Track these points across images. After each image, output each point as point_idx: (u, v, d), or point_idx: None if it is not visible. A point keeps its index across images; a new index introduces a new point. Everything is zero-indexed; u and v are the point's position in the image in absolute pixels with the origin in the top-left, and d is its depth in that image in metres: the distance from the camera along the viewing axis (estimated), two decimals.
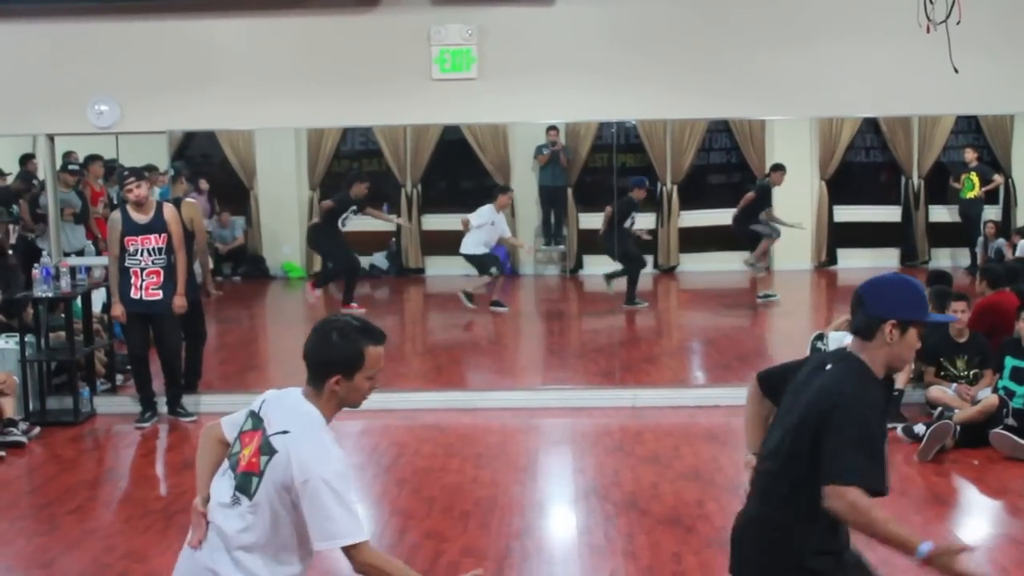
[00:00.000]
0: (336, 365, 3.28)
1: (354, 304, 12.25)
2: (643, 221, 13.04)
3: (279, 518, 3.26)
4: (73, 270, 8.93)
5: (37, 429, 8.17)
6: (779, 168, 13.24)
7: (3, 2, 8.51)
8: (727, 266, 13.50)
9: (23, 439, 7.90)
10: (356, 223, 14.69)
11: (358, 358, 3.28)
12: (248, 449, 3.30)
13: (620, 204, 12.55)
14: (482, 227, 12.51)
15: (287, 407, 3.33)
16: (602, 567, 5.54)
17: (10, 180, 11.71)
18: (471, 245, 12.51)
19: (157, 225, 8.24)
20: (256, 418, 3.36)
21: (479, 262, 12.49)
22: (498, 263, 12.56)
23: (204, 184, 14.01)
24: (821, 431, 3.21)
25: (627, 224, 12.46)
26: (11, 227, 11.13)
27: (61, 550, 5.79)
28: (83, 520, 6.29)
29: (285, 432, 3.25)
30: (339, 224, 12.56)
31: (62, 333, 8.87)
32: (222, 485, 3.35)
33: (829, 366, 3.39)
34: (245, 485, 3.28)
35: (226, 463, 3.39)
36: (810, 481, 3.23)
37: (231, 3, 8.53)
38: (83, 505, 6.52)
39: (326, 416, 3.33)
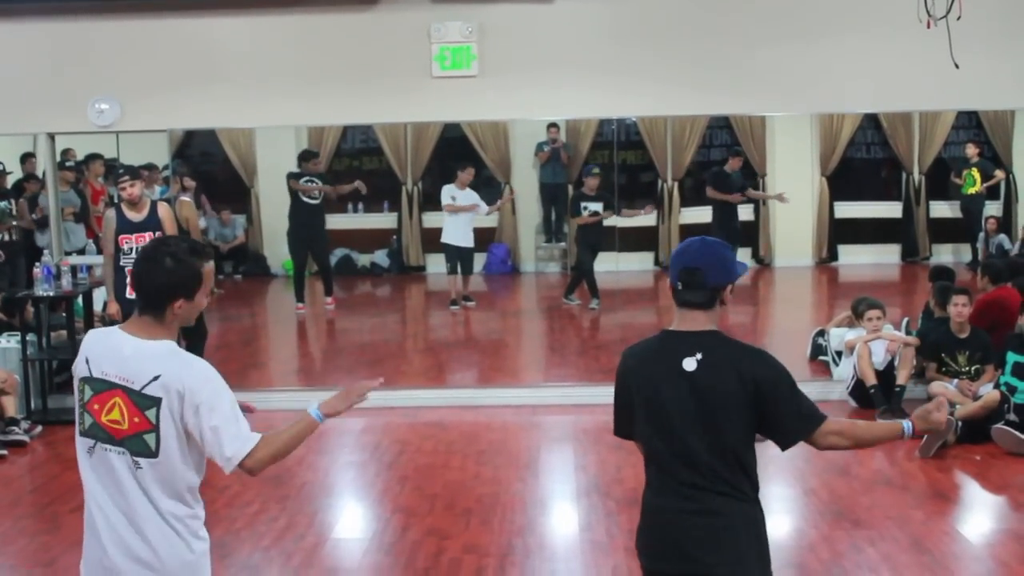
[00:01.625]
0: (179, 288, 3.31)
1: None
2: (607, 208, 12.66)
3: (185, 455, 3.31)
4: (74, 269, 8.94)
5: (39, 428, 8.18)
6: (737, 154, 13.33)
7: (4, 1, 8.51)
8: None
9: (25, 438, 7.91)
10: (357, 221, 14.73)
11: (197, 277, 3.34)
12: (114, 413, 3.27)
13: (572, 197, 12.51)
14: (452, 210, 12.49)
15: (132, 356, 3.29)
16: (604, 563, 5.54)
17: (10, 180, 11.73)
18: (450, 234, 12.53)
19: (151, 223, 8.23)
20: (96, 382, 3.29)
21: (449, 255, 12.56)
22: (459, 261, 12.56)
23: (190, 182, 13.93)
24: (761, 402, 3.28)
25: (585, 214, 12.27)
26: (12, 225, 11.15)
27: (63, 549, 5.80)
28: None
29: (157, 377, 3.25)
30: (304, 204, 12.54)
31: (63, 332, 8.87)
32: (110, 464, 3.29)
33: (699, 355, 3.35)
34: (139, 447, 3.26)
35: (86, 444, 3.32)
36: (750, 457, 3.35)
37: (231, 2, 8.53)
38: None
39: (173, 340, 3.38)
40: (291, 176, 12.51)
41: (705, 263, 3.39)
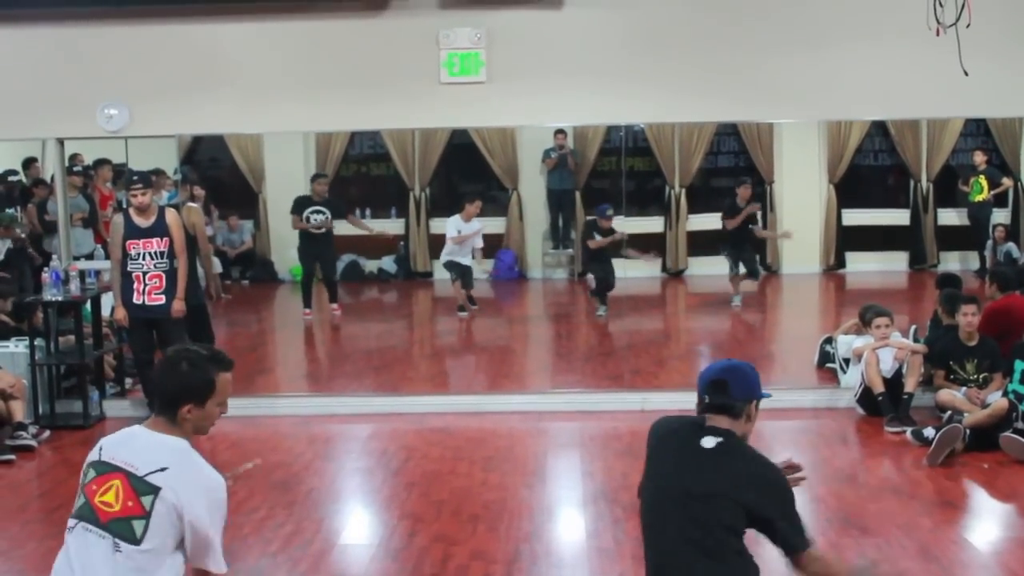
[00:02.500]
0: (188, 394, 3.38)
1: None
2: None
3: (175, 546, 3.34)
4: (82, 274, 8.96)
5: (47, 433, 8.19)
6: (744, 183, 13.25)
7: (13, 7, 8.53)
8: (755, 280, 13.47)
9: (33, 443, 7.91)
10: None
11: (209, 386, 3.41)
12: (109, 495, 3.31)
13: (585, 225, 12.76)
14: (457, 242, 12.59)
15: (143, 446, 3.37)
16: (611, 571, 5.54)
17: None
18: (453, 253, 12.67)
19: (159, 229, 8.24)
20: (102, 465, 3.37)
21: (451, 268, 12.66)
22: (461, 276, 12.66)
23: (199, 191, 13.96)
24: (761, 511, 3.61)
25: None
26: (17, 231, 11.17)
27: None
28: None
29: (164, 469, 3.31)
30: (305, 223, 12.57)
31: (71, 337, 8.89)
32: (86, 544, 3.31)
33: (714, 442, 3.66)
34: (124, 531, 3.28)
35: (70, 524, 3.38)
36: (740, 547, 3.65)
37: (240, 7, 8.54)
38: None
39: (187, 441, 3.45)
40: (295, 208, 12.55)
41: (731, 377, 3.75)
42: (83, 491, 3.36)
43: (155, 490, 3.28)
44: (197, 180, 13.43)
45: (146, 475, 3.29)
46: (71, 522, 3.35)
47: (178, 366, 3.41)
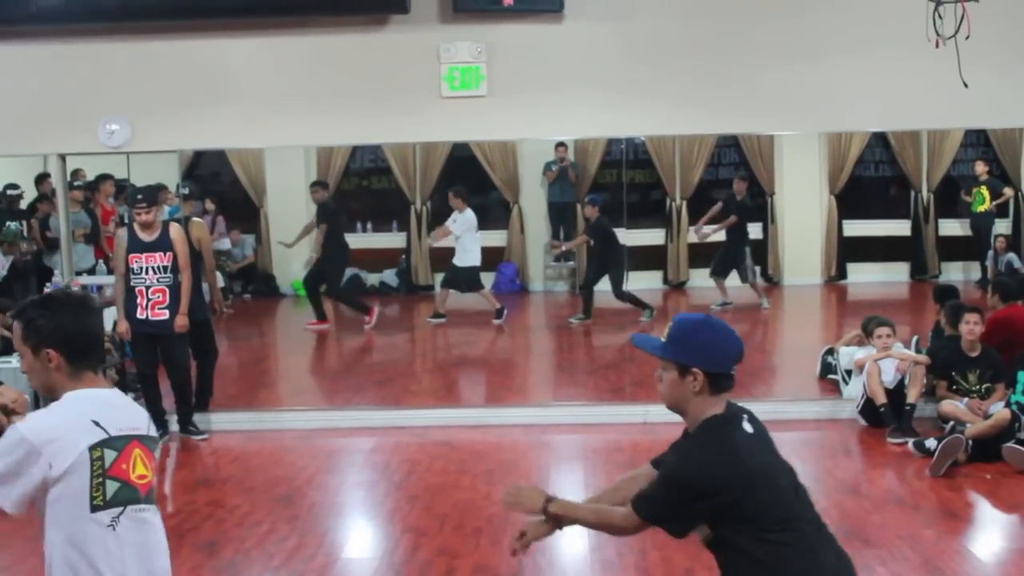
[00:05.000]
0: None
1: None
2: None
3: None
4: (85, 289, 8.97)
5: None
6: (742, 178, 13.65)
7: (15, 23, 8.56)
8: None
9: None
10: (365, 240, 14.75)
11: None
12: (139, 467, 3.08)
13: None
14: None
15: (119, 401, 3.19)
16: None
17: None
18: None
19: (162, 243, 8.25)
20: (118, 440, 3.05)
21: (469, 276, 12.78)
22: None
23: (210, 204, 14.07)
24: None
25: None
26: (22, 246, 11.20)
27: None
28: None
29: (141, 417, 3.20)
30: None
31: None
32: (142, 528, 3.11)
33: (751, 425, 3.40)
34: (152, 496, 3.17)
35: (108, 516, 3.04)
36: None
37: (241, 23, 8.57)
38: None
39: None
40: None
41: None
42: (108, 476, 3.00)
43: (156, 441, 3.21)
44: (200, 195, 13.49)
45: (149, 430, 3.15)
46: (111, 513, 3.02)
47: (92, 312, 3.15)
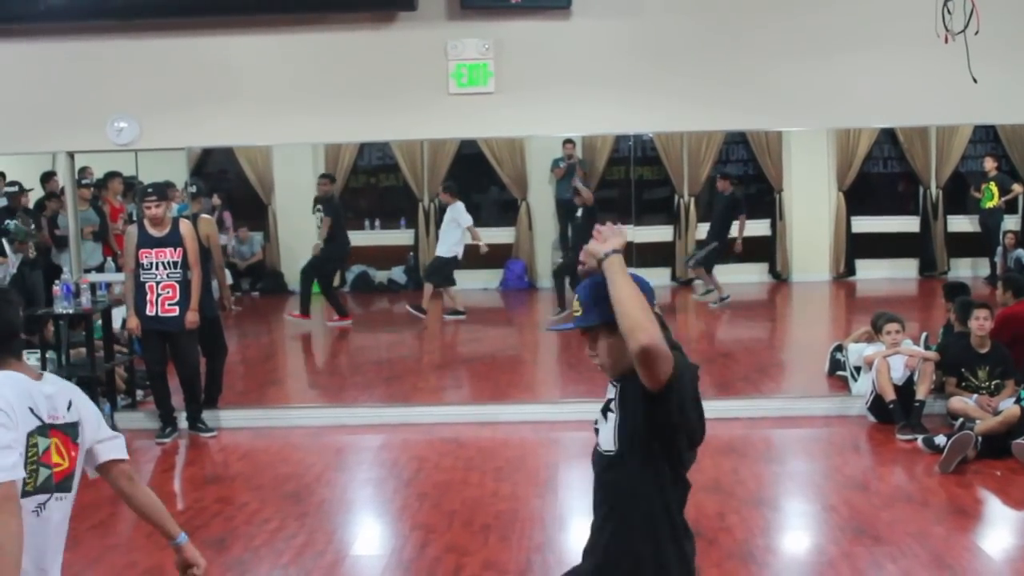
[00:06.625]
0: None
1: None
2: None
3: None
4: (93, 287, 8.98)
5: None
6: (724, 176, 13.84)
7: (23, 22, 8.57)
8: (744, 277, 13.49)
9: None
10: (373, 238, 14.79)
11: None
12: (55, 456, 3.12)
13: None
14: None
15: (52, 390, 3.19)
16: None
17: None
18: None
19: (172, 239, 8.27)
20: (47, 428, 3.10)
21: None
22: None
23: (216, 199, 14.09)
24: None
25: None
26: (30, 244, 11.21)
27: (83, 566, 5.81)
28: (104, 536, 6.31)
29: (71, 402, 3.23)
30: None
31: (82, 349, 8.91)
32: (51, 518, 3.14)
33: None
34: (68, 484, 3.18)
35: (36, 502, 3.08)
36: None
37: (248, 20, 8.57)
38: (104, 521, 6.54)
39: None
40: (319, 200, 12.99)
41: None
42: (41, 463, 3.08)
43: (76, 427, 3.21)
44: (208, 192, 13.52)
45: (67, 418, 3.18)
46: (39, 499, 3.07)
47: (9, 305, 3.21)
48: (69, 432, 3.18)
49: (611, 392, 3.25)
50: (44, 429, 3.08)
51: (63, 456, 3.16)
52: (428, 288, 13.00)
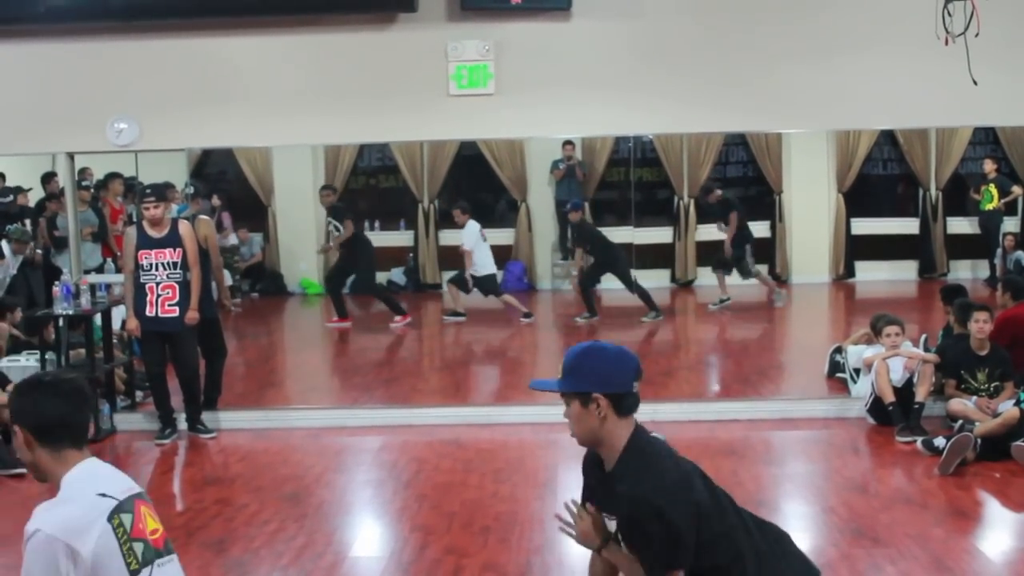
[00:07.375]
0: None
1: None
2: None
3: None
4: (93, 288, 8.98)
5: None
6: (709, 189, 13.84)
7: (23, 23, 8.57)
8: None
9: None
10: (372, 239, 14.80)
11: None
12: (149, 523, 3.12)
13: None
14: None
15: (114, 472, 3.22)
16: None
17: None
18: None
19: (171, 240, 8.27)
20: (127, 503, 3.09)
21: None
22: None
23: (216, 200, 14.11)
24: None
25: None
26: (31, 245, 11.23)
27: None
28: None
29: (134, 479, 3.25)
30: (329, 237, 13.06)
31: (82, 350, 8.91)
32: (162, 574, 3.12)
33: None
34: (168, 546, 3.18)
35: (148, 572, 3.06)
36: None
37: (248, 21, 8.57)
38: None
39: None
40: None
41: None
42: (133, 539, 3.04)
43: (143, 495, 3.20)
44: (208, 193, 13.54)
45: (143, 489, 3.21)
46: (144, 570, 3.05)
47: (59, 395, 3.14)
48: (147, 499, 3.17)
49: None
50: (124, 504, 3.06)
51: (156, 519, 3.14)
52: (501, 299, 13.12)
